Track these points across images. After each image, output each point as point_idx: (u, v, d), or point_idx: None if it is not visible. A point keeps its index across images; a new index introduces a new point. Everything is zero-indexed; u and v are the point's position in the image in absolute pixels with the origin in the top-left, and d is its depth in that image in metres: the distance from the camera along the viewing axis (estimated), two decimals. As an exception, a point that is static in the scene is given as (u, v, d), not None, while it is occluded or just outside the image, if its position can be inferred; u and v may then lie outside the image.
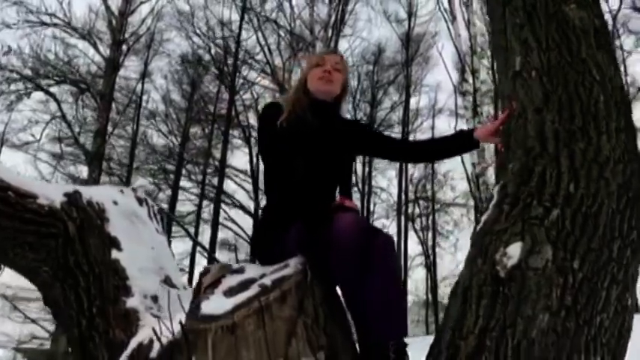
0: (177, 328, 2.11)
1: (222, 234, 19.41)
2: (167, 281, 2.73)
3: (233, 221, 18.66)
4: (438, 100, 24.71)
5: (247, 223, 18.36)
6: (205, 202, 20.03)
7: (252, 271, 2.16)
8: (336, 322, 1.98)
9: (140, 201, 3.10)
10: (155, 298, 2.57)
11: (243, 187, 19.33)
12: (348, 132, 2.33)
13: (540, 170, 1.89)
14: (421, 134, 21.96)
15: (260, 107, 19.37)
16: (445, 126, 24.34)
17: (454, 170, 22.87)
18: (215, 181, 19.40)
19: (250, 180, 18.88)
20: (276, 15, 16.10)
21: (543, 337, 1.63)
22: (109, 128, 16.47)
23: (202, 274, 2.20)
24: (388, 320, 1.84)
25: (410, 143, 2.58)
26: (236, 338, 1.83)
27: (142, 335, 2.33)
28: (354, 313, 1.91)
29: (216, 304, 1.94)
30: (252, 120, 19.48)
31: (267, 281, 1.97)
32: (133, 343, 2.31)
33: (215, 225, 17.94)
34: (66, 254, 2.59)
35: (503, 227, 1.83)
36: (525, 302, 1.67)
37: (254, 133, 19.66)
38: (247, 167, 19.33)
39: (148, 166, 20.48)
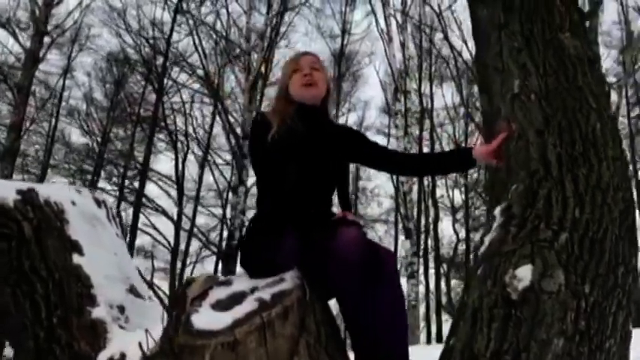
0: (157, 341, 1.96)
1: (139, 240, 18.76)
2: (133, 290, 2.54)
3: (154, 227, 18.05)
4: (367, 118, 25.10)
5: (169, 229, 17.83)
6: (124, 206, 19.32)
7: (241, 283, 2.04)
8: (334, 341, 1.90)
9: (98, 203, 2.89)
10: (122, 309, 2.39)
11: (167, 193, 18.77)
12: (339, 137, 2.27)
13: (546, 193, 1.90)
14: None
15: (189, 111, 18.99)
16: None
17: (380, 187, 23.32)
18: (136, 184, 18.74)
19: (175, 186, 18.38)
20: (214, 20, 15.82)
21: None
22: (26, 123, 15.57)
23: (185, 285, 2.05)
24: (396, 332, 1.79)
25: (404, 155, 2.55)
26: (237, 355, 1.71)
27: (112, 349, 2.15)
28: (357, 327, 1.84)
29: (208, 319, 1.81)
30: (180, 123, 19.04)
31: (265, 296, 1.86)
32: (102, 358, 2.12)
33: (134, 230, 17.30)
34: (20, 257, 2.36)
35: (512, 249, 1.82)
36: (539, 326, 1.66)
37: (181, 137, 19.22)
38: (172, 172, 18.80)
39: (65, 165, 19.54)
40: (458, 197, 22.43)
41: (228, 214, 16.52)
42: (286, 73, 2.29)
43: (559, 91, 2.14)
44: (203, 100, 19.19)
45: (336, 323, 2.00)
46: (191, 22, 15.92)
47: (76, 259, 2.43)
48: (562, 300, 1.68)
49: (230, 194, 18.77)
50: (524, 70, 2.22)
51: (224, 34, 15.70)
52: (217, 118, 17.75)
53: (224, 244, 16.42)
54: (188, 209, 18.65)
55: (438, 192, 21.07)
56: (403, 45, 14.90)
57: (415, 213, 14.50)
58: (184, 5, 16.67)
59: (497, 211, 2.01)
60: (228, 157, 18.87)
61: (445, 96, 20.98)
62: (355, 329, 1.85)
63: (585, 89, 2.17)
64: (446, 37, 15.34)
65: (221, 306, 1.93)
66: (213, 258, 18.84)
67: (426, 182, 18.75)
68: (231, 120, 14.80)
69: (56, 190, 2.72)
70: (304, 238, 1.93)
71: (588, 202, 1.86)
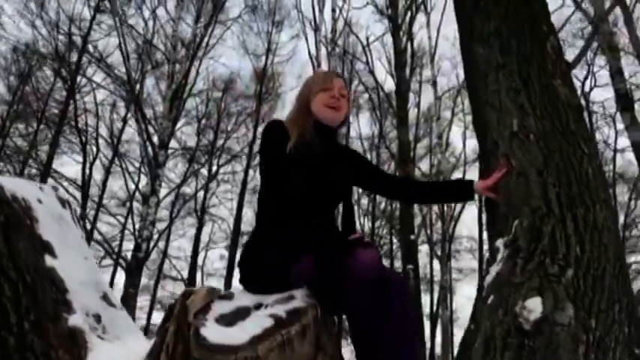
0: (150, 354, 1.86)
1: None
2: (106, 298, 2.39)
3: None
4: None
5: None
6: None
7: (243, 298, 1.99)
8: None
9: (63, 202, 2.71)
10: (98, 318, 2.23)
11: (73, 196, 17.79)
12: (348, 159, 2.29)
13: (550, 230, 2.00)
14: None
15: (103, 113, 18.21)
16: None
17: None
18: (36, 185, 17.60)
19: (80, 190, 17.48)
20: (138, 23, 15.35)
21: None
22: None
23: (184, 297, 1.96)
24: (405, 349, 1.80)
25: (408, 182, 2.59)
26: (260, 373, 1.66)
27: (94, 360, 2.01)
28: (366, 343, 1.83)
29: (222, 333, 1.75)
30: (92, 123, 18.22)
31: (279, 312, 1.82)
32: (84, 369, 1.97)
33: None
34: (-17, 257, 2.16)
35: (520, 281, 1.90)
36: (552, 356, 1.73)
37: (91, 139, 18.37)
38: (78, 175, 17.89)
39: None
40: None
41: (136, 224, 15.91)
42: (313, 89, 2.26)
43: (555, 134, 2.27)
44: (116, 103, 18.53)
45: (340, 340, 1.99)
46: (111, 22, 15.34)
47: (48, 261, 2.25)
48: (573, 332, 1.76)
49: (134, 203, 18.15)
50: (522, 111, 2.34)
51: (149, 38, 15.26)
52: (130, 123, 17.20)
53: (128, 254, 15.75)
54: (91, 216, 17.78)
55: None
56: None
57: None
58: (107, 3, 16.04)
59: (500, 242, 2.09)
60: (138, 164, 18.27)
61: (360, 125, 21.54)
62: (364, 345, 1.84)
63: (577, 134, 2.32)
64: (370, 70, 15.80)
65: (225, 321, 1.87)
66: (111, 268, 18.00)
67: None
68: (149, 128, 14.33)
69: (21, 185, 2.52)
70: (319, 254, 1.92)
71: (588, 241, 1.98)
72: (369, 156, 22.82)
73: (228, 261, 19.21)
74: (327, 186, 2.14)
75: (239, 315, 1.90)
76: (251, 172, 22.08)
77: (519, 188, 2.17)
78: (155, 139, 14.33)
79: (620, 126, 15.47)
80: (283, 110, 24.54)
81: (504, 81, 2.45)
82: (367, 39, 16.14)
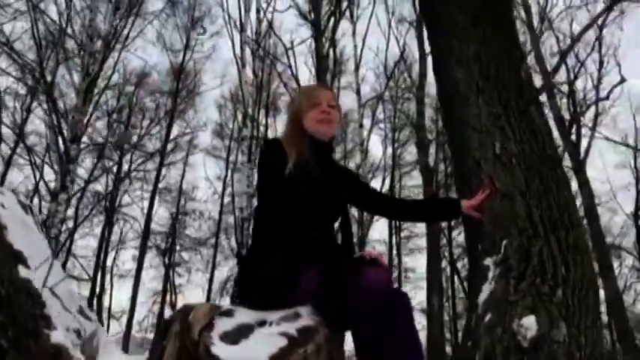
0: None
1: None
2: (82, 312, 2.27)
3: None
4: (200, 137, 24.59)
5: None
6: None
7: (244, 315, 1.95)
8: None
9: (24, 207, 2.55)
10: (78, 333, 2.12)
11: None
12: (343, 178, 2.31)
13: (537, 251, 2.12)
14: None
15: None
16: (199, 160, 24.54)
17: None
18: None
19: (-22, 183, 16.26)
20: (59, 15, 14.52)
21: None
22: None
23: (184, 313, 1.90)
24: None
25: (397, 201, 2.62)
26: (280, 393, 1.64)
27: (83, 380, 1.90)
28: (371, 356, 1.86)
29: (235, 353, 1.71)
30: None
31: (290, 331, 1.80)
32: (74, 390, 1.86)
33: None
34: (-48, 266, 2.00)
35: (515, 299, 2.00)
36: (551, 373, 1.84)
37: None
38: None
39: None
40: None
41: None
42: (303, 104, 2.26)
43: (534, 158, 2.40)
44: (18, 92, 17.42)
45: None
46: (19, 4, 14.39)
47: (22, 272, 2.11)
48: (567, 349, 1.88)
49: (36, 199, 17.15)
50: (503, 134, 2.46)
51: (63, 26, 14.49)
52: (36, 113, 16.24)
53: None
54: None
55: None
56: (257, 73, 15.08)
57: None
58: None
59: (489, 261, 2.18)
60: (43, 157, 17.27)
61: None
62: (369, 356, 1.86)
63: (553, 159, 2.47)
64: (292, 74, 15.87)
65: (230, 339, 1.83)
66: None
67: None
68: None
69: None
70: (326, 269, 1.93)
71: (571, 262, 2.11)
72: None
73: (137, 262, 18.63)
74: (327, 203, 2.15)
75: (241, 332, 1.87)
76: (164, 170, 21.57)
77: (505, 209, 2.27)
78: (66, 132, 13.64)
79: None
80: (201, 108, 24.07)
81: (485, 105, 2.56)
82: (292, 42, 16.14)
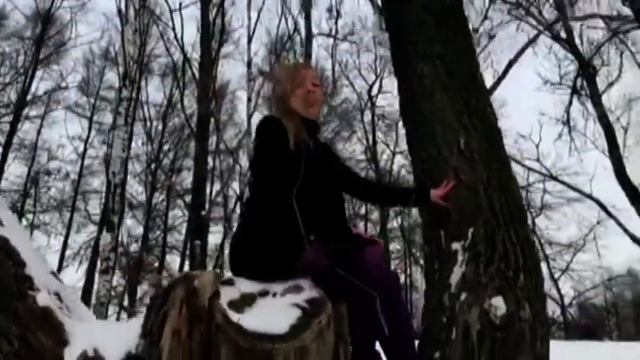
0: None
1: None
2: (55, 275, 2.15)
3: None
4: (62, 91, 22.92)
5: None
6: None
7: (244, 285, 2.00)
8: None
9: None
10: (59, 296, 2.01)
11: None
12: (330, 156, 2.41)
13: (501, 240, 2.38)
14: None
15: None
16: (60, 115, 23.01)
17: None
18: None
19: None
20: None
21: None
22: None
23: (188, 280, 1.89)
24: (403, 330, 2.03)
25: (373, 184, 2.72)
26: (303, 360, 1.71)
27: (79, 344, 1.83)
28: (372, 327, 2.02)
29: (255, 322, 1.75)
30: None
31: (300, 302, 1.88)
32: (72, 355, 1.78)
33: None
34: None
35: (485, 282, 2.24)
36: (520, 346, 2.10)
37: None
38: None
39: None
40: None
41: None
42: (287, 89, 2.33)
43: (491, 155, 2.66)
44: None
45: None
46: None
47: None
48: (532, 327, 2.15)
49: None
50: (466, 131, 2.68)
51: None
52: None
53: None
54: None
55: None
56: (140, 31, 14.37)
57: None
58: None
59: (456, 246, 2.40)
60: None
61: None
62: (369, 326, 2.02)
63: (505, 158, 2.74)
64: (175, 36, 15.44)
65: (236, 307, 1.87)
66: None
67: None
68: None
69: None
70: (329, 249, 2.02)
71: (527, 252, 2.40)
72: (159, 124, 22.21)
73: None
74: (326, 179, 2.23)
75: (245, 301, 1.91)
76: (27, 125, 20.03)
77: (470, 200, 2.50)
78: None
79: (402, 131, 17.44)
80: (66, 60, 22.40)
81: (449, 102, 2.76)
82: (180, 5, 15.66)
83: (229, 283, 1.98)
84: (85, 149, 23.44)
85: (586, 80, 15.97)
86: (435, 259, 2.51)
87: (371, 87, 21.36)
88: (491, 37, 16.68)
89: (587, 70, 15.88)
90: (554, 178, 17.40)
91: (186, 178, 24.14)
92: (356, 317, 1.97)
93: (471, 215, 2.47)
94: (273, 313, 1.83)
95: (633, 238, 13.20)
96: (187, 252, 21.82)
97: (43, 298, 1.89)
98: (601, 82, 16.38)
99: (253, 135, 2.48)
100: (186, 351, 1.76)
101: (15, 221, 2.15)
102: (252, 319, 1.76)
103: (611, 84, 16.66)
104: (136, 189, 23.48)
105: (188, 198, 21.15)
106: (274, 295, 1.96)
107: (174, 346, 1.77)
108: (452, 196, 2.54)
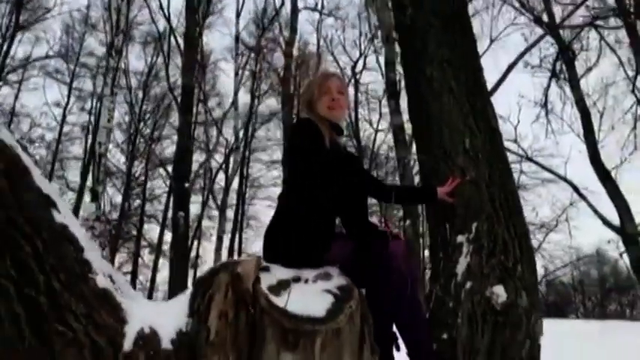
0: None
1: None
2: (103, 257, 2.36)
3: None
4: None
5: None
6: None
7: (279, 271, 2.24)
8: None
9: (23, 147, 2.53)
10: (111, 278, 2.23)
11: None
12: (351, 160, 2.66)
13: (501, 234, 2.65)
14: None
15: None
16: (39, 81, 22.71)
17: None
18: None
19: None
20: None
21: (526, 357, 2.38)
22: None
23: (232, 266, 2.12)
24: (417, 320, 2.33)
25: (387, 186, 2.94)
26: (339, 341, 1.97)
27: (136, 323, 2.05)
28: (390, 311, 2.31)
29: (296, 306, 2.00)
30: None
31: (331, 288, 2.13)
32: (131, 332, 2.01)
33: None
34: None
35: (487, 272, 2.52)
36: (517, 330, 2.39)
37: None
38: None
39: None
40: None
41: None
42: (314, 96, 2.58)
43: (493, 155, 2.92)
44: None
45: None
46: None
47: (57, 217, 2.16)
48: (528, 313, 2.45)
49: None
50: (472, 132, 2.94)
51: None
52: None
53: None
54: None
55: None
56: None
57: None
58: None
59: (461, 238, 2.67)
60: None
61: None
62: (387, 311, 2.29)
63: (504, 156, 3.01)
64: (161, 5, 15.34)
65: (274, 292, 2.11)
66: None
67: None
68: None
69: (-7, 126, 2.31)
70: (355, 242, 2.28)
71: (524, 245, 2.68)
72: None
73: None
74: (355, 178, 2.49)
75: (281, 287, 2.16)
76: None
77: (474, 197, 2.77)
78: None
79: (385, 109, 17.66)
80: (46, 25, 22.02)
81: (456, 104, 3.01)
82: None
83: (266, 269, 2.22)
84: (64, 116, 23.23)
85: (565, 64, 16.33)
86: (440, 250, 2.78)
87: (355, 63, 21.48)
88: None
89: (566, 53, 16.23)
90: (530, 160, 17.79)
91: (167, 147, 24.15)
92: (378, 302, 2.24)
93: (475, 211, 2.73)
94: (310, 298, 2.07)
95: (603, 220, 13.71)
96: (167, 222, 21.97)
97: (101, 281, 2.10)
98: (580, 66, 16.73)
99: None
100: (233, 331, 2.01)
101: (68, 209, 2.34)
102: (293, 304, 2.01)
103: (589, 69, 17.02)
104: (117, 158, 23.42)
105: (170, 167, 21.23)
106: (306, 281, 2.21)
107: (222, 327, 2.02)
108: (458, 193, 2.81)
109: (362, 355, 2.08)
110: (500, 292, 2.45)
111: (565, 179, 16.63)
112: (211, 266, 2.24)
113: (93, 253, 2.22)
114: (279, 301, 2.03)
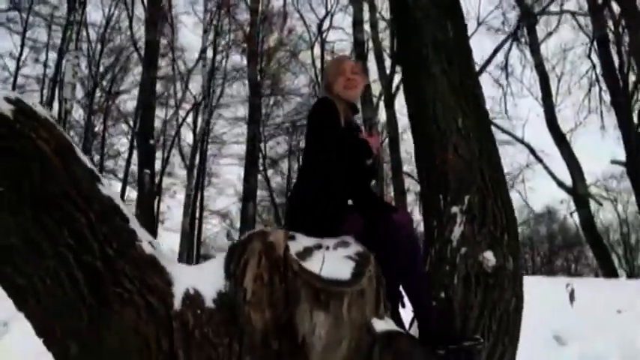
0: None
1: None
2: (142, 226, 2.59)
3: None
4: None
5: None
6: None
7: (303, 240, 2.51)
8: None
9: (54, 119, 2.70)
10: (152, 245, 2.46)
11: None
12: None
13: (490, 205, 3.00)
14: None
15: None
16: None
17: None
18: None
19: None
20: None
21: (512, 313, 2.76)
22: None
23: (263, 235, 2.38)
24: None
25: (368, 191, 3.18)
26: (364, 301, 2.29)
27: (181, 285, 2.30)
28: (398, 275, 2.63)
29: (325, 270, 2.29)
30: None
31: (351, 254, 2.43)
32: (178, 294, 2.26)
33: None
34: (45, 181, 2.20)
35: (479, 239, 2.87)
36: (505, 290, 2.77)
37: None
38: None
39: None
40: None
41: None
42: (330, 78, 2.83)
43: (482, 134, 3.25)
44: None
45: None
46: None
47: (102, 190, 2.37)
48: (515, 275, 2.82)
49: None
50: (463, 112, 3.25)
51: None
52: None
53: None
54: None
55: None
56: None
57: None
58: None
59: (455, 209, 3.01)
60: None
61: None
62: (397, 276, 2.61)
63: (491, 134, 3.34)
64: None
65: (301, 258, 2.40)
66: None
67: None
68: None
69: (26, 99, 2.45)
70: (368, 216, 2.59)
71: (509, 215, 3.04)
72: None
73: None
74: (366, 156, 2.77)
75: (307, 253, 2.44)
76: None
77: (466, 172, 3.10)
78: None
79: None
80: None
81: (449, 85, 3.30)
82: None
83: (292, 238, 2.50)
84: (18, 67, 22.53)
85: (526, 28, 16.78)
86: (434, 219, 3.11)
87: (321, 21, 21.43)
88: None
89: (527, 18, 16.67)
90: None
91: (127, 101, 23.78)
92: (387, 269, 2.55)
93: (467, 184, 3.07)
94: (335, 263, 2.37)
95: (557, 181, 14.47)
96: (129, 178, 21.85)
97: (147, 247, 2.34)
98: (540, 31, 17.22)
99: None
100: (268, 291, 2.28)
101: (107, 183, 2.55)
102: (324, 268, 2.30)
103: (549, 33, 17.55)
104: (76, 112, 22.92)
105: (132, 122, 20.99)
106: (327, 248, 2.49)
107: (258, 288, 2.30)
108: (452, 168, 3.13)
109: (379, 312, 2.40)
110: (490, 257, 2.81)
111: (522, 141, 17.30)
112: (242, 236, 2.50)
113: (135, 222, 2.45)
114: (309, 265, 2.31)
